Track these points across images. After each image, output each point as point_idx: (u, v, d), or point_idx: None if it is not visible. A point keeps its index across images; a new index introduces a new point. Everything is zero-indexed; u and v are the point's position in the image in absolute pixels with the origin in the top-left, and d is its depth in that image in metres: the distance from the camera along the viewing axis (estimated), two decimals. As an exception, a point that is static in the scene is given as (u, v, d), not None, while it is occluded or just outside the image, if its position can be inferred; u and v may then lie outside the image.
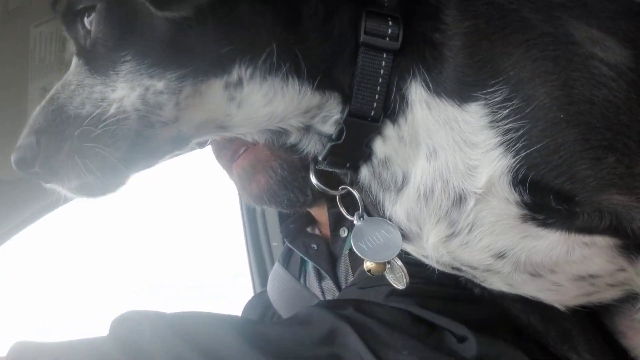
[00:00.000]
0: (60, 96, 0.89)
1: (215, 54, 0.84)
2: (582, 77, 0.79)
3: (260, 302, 1.86)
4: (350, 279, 1.52)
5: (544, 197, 0.81)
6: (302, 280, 1.74)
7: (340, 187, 1.02)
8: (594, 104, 0.79)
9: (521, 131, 0.79)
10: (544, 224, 0.84)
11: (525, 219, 0.84)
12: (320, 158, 0.96)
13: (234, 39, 0.84)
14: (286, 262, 1.80)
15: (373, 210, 0.99)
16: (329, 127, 0.93)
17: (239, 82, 0.86)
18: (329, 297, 1.61)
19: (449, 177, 0.86)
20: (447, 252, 0.93)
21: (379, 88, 0.87)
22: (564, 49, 0.81)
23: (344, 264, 1.58)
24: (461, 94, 0.83)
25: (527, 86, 0.80)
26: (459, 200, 0.86)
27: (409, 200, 0.91)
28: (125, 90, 0.84)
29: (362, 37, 0.87)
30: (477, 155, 0.83)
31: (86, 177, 0.85)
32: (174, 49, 0.84)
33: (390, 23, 0.87)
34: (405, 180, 0.91)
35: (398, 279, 0.99)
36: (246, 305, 1.91)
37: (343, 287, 1.56)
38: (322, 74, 0.88)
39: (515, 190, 0.81)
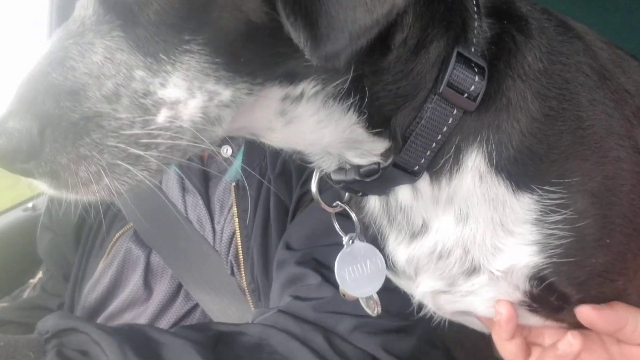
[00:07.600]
0: (76, 66, 0.60)
1: (295, 63, 0.66)
2: None
3: None
4: (230, 208, 1.34)
5: (549, 294, 0.81)
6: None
7: (334, 204, 0.91)
8: None
9: (563, 241, 0.76)
10: (533, 309, 0.85)
11: (521, 304, 0.84)
12: (332, 179, 0.84)
13: None
14: None
15: (365, 232, 0.92)
16: (360, 161, 0.80)
17: (299, 98, 0.70)
18: (192, 214, 1.42)
19: (471, 248, 0.81)
20: (433, 302, 0.91)
21: (434, 145, 0.75)
22: None
23: (223, 190, 1.38)
24: (520, 180, 0.76)
25: (586, 201, 0.75)
26: (472, 271, 0.83)
27: (419, 250, 0.85)
28: (181, 91, 0.62)
29: (443, 89, 0.72)
30: (508, 242, 0.79)
31: (102, 194, 0.63)
32: (252, 51, 0.63)
33: (476, 78, 0.73)
34: (424, 229, 0.84)
35: (370, 307, 0.95)
36: None
37: (216, 212, 1.37)
38: (383, 118, 0.74)
39: (529, 282, 0.80)
